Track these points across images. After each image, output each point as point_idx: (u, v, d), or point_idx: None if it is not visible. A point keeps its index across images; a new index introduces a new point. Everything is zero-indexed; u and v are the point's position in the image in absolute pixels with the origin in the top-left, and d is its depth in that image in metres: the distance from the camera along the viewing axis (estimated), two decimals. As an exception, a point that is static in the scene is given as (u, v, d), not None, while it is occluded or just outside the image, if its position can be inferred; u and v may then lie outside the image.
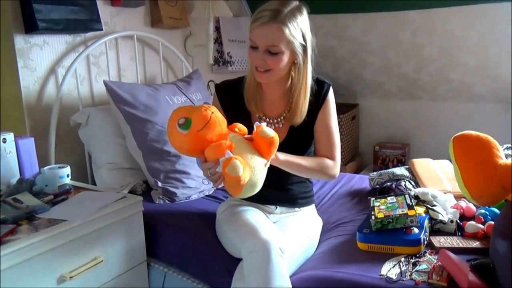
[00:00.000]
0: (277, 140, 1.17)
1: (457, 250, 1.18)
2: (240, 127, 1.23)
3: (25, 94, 1.72)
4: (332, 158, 1.43)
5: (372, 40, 2.72)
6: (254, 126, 1.19)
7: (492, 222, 1.26)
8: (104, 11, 1.98)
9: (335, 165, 1.43)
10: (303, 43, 1.34)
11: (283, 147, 1.34)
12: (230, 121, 1.26)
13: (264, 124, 1.18)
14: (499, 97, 2.66)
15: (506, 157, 1.24)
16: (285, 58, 1.33)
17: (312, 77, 1.43)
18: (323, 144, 1.44)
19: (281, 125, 1.44)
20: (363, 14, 2.62)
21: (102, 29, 1.89)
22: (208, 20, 2.39)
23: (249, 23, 1.36)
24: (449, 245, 1.23)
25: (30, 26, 1.65)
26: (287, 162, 1.33)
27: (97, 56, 1.99)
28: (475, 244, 1.23)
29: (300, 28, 1.32)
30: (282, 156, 1.31)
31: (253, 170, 1.13)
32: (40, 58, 1.76)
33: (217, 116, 1.18)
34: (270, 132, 1.17)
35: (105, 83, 1.78)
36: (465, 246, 1.23)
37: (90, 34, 1.92)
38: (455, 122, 2.85)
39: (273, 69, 1.33)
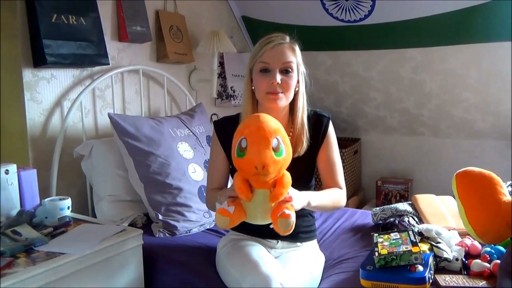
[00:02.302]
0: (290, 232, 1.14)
1: (463, 290, 1.15)
2: (276, 195, 1.13)
3: (30, 126, 1.75)
4: (340, 187, 1.47)
5: (374, 76, 2.77)
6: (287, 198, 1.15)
7: (498, 261, 1.24)
8: (112, 46, 2.03)
9: (344, 194, 1.48)
10: (302, 69, 1.42)
11: None
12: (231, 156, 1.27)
13: (291, 217, 1.11)
14: (501, 134, 2.67)
15: (510, 194, 1.23)
16: (295, 78, 1.38)
17: (310, 110, 1.47)
18: (331, 176, 1.47)
19: None
20: (365, 51, 2.68)
21: (109, 64, 1.94)
22: (213, 56, 2.45)
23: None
24: (455, 284, 1.20)
25: (39, 61, 1.69)
26: (316, 207, 1.35)
27: (103, 90, 2.02)
28: (482, 283, 1.20)
29: (300, 55, 1.42)
30: (314, 202, 1.30)
31: (247, 221, 1.18)
32: (46, 91, 1.80)
33: (266, 179, 1.12)
34: (287, 227, 1.12)
35: (109, 115, 1.81)
36: (471, 285, 1.19)
37: (97, 68, 1.97)
38: (458, 158, 2.84)
39: (286, 90, 1.36)
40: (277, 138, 1.12)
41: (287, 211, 1.11)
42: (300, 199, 1.24)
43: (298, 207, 1.22)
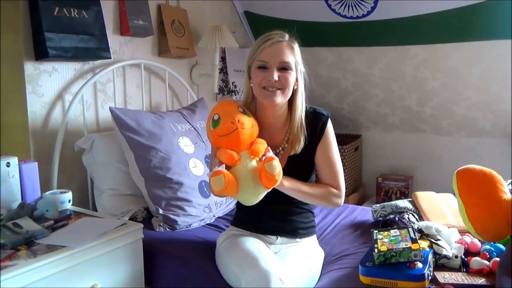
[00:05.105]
0: (278, 178, 1.21)
1: (462, 287, 1.15)
2: (255, 149, 1.27)
3: (32, 119, 1.75)
4: (337, 188, 1.44)
5: (376, 73, 2.76)
6: (267, 154, 1.24)
7: (498, 259, 1.24)
8: (114, 40, 2.03)
9: (340, 194, 1.45)
10: (301, 68, 1.42)
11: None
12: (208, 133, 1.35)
13: (275, 159, 1.21)
14: (502, 132, 2.67)
15: (511, 192, 1.23)
16: (294, 76, 1.38)
17: (309, 107, 1.47)
18: (327, 175, 1.45)
19: (279, 156, 1.44)
20: (367, 48, 2.67)
21: (110, 58, 1.93)
22: (215, 51, 2.45)
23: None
24: (454, 281, 1.20)
25: (41, 54, 1.69)
26: (292, 189, 1.36)
27: (104, 83, 2.02)
28: (481, 281, 1.20)
29: (299, 53, 1.41)
30: (287, 183, 1.33)
31: (242, 192, 1.22)
32: (48, 84, 1.80)
33: (244, 132, 1.27)
34: (275, 169, 1.19)
35: (110, 109, 1.80)
36: (470, 282, 1.20)
37: (99, 62, 1.97)
38: (459, 156, 2.84)
39: (284, 87, 1.36)
40: (242, 107, 1.34)
41: (269, 154, 1.24)
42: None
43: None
